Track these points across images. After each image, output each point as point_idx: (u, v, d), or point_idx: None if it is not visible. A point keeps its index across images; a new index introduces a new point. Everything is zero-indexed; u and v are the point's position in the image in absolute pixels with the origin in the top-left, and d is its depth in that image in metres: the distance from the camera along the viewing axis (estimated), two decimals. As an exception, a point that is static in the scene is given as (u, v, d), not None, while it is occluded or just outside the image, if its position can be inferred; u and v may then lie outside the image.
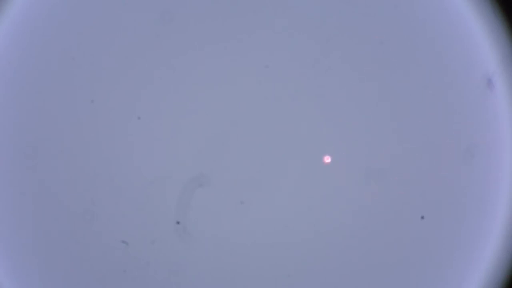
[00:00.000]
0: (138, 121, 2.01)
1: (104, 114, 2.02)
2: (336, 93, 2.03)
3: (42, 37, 2.04)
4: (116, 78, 2.02)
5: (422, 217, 2.00)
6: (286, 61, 2.03)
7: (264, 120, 2.03)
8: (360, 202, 2.01)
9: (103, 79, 2.03)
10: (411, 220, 2.01)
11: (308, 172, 2.01)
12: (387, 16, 2.05)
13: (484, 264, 2.02)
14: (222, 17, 2.04)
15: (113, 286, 2.00)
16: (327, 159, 1.93)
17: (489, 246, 2.02)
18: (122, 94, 2.02)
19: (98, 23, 2.04)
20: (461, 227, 2.02)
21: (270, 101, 2.03)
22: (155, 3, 2.04)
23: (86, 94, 2.02)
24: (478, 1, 2.06)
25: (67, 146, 2.01)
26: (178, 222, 2.00)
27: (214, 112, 2.02)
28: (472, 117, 2.03)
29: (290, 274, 2.01)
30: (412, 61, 2.04)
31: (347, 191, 2.01)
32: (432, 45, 2.05)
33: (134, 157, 2.01)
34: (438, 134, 2.02)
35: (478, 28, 2.05)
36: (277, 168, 2.02)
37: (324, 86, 2.03)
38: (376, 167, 2.01)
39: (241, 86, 2.03)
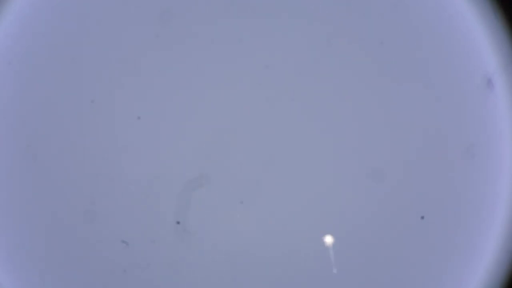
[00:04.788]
0: (138, 121, 2.01)
1: (104, 114, 2.02)
2: (336, 93, 2.03)
3: (42, 38, 2.04)
4: (116, 78, 2.03)
5: (422, 217, 2.00)
6: (286, 62, 2.03)
7: (264, 120, 2.03)
8: (360, 202, 2.00)
9: (103, 79, 2.03)
10: (411, 220, 2.01)
11: (308, 172, 2.01)
12: (387, 16, 2.05)
13: (484, 264, 2.02)
14: (222, 17, 2.04)
15: (113, 286, 2.00)
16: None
17: (489, 246, 2.02)
18: (122, 94, 2.02)
19: (98, 23, 2.04)
20: (461, 227, 2.01)
21: (270, 101, 2.03)
22: (154, 2, 2.04)
23: (86, 94, 2.02)
24: (478, 1, 2.06)
25: (67, 146, 2.01)
26: (178, 222, 2.00)
27: (214, 112, 2.03)
28: (472, 117, 2.03)
29: (290, 274, 2.01)
30: (412, 61, 2.04)
31: (348, 191, 2.01)
32: (432, 45, 2.05)
33: (134, 157, 2.01)
34: (438, 134, 2.02)
35: (478, 28, 2.05)
36: (277, 168, 2.02)
37: (324, 86, 2.03)
38: (377, 167, 2.01)
39: (241, 86, 2.03)
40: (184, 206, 2.00)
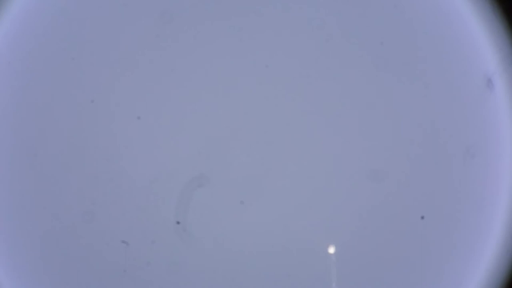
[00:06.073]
0: (138, 121, 2.01)
1: (104, 114, 2.02)
2: (336, 93, 2.03)
3: (42, 37, 2.04)
4: (116, 78, 2.03)
5: (422, 217, 2.00)
6: (286, 61, 2.03)
7: (264, 120, 2.03)
8: (360, 202, 2.00)
9: (103, 79, 2.03)
10: (411, 220, 2.01)
11: (308, 172, 2.01)
12: (387, 16, 2.05)
13: (484, 264, 2.02)
14: (222, 17, 2.04)
15: (113, 286, 2.00)
16: None
17: (489, 246, 2.02)
18: (122, 94, 2.02)
19: (98, 23, 2.04)
20: (461, 227, 2.02)
21: (270, 101, 2.03)
22: (154, 3, 2.04)
23: (86, 94, 2.02)
24: (478, 1, 2.06)
25: (67, 146, 2.01)
26: (178, 222, 2.00)
27: (214, 112, 2.03)
28: (472, 117, 2.03)
29: (289, 274, 2.01)
30: (412, 61, 2.04)
31: (348, 191, 2.01)
32: (432, 45, 2.05)
33: (134, 157, 2.01)
34: (438, 134, 2.02)
35: (478, 28, 2.05)
36: (277, 168, 2.02)
37: (324, 86, 2.03)
38: (377, 167, 2.01)
39: (241, 86, 2.03)
40: (184, 206, 2.00)
